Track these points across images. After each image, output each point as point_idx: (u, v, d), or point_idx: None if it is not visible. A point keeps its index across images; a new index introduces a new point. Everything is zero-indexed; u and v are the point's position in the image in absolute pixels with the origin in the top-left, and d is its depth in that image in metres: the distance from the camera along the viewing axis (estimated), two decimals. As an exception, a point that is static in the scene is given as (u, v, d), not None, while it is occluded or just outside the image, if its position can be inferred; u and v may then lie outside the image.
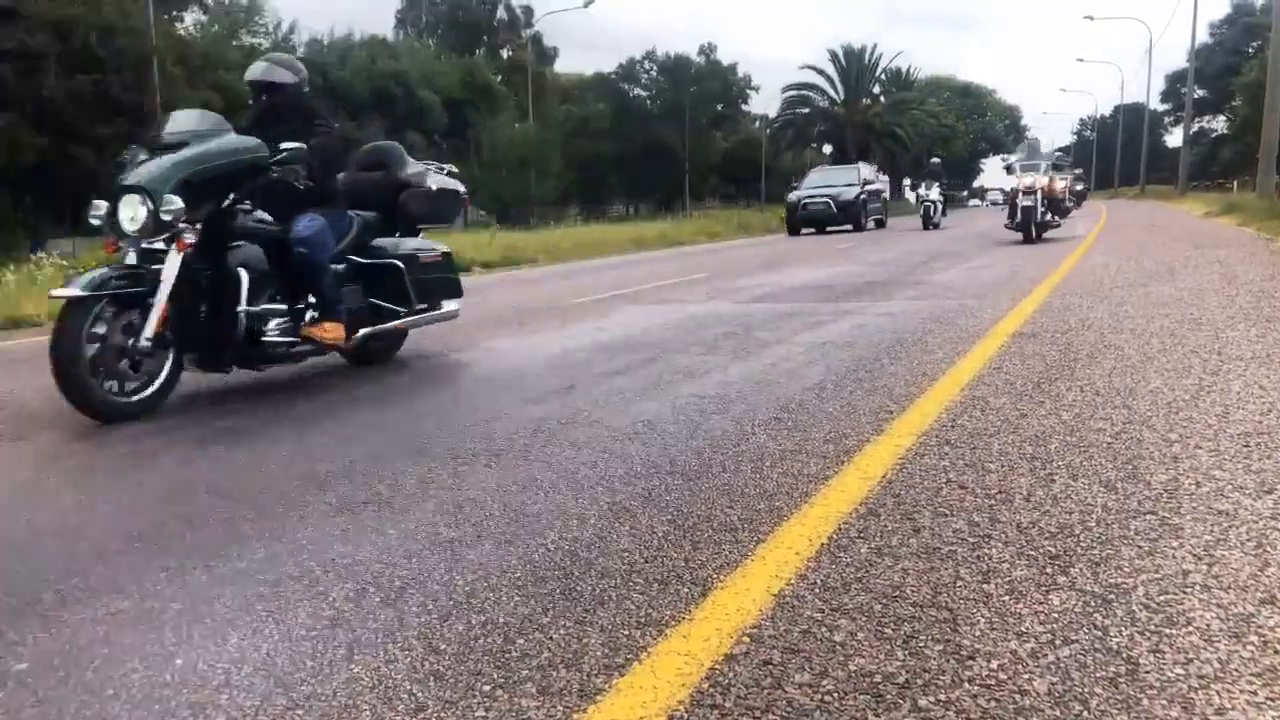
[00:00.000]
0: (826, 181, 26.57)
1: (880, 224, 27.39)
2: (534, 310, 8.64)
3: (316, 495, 3.07)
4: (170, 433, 4.11)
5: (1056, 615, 1.98)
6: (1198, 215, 23.42)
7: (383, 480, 3.21)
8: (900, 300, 7.96)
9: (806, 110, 61.93)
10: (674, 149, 56.17)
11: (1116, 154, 67.16)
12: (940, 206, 24.54)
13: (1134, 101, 71.00)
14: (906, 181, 63.03)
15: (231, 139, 4.77)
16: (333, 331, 5.05)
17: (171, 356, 4.55)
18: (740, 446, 3.43)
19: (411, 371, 5.50)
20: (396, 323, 5.62)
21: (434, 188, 6.04)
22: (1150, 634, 1.89)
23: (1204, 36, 60.96)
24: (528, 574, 2.34)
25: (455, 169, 6.46)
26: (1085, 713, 1.62)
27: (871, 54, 60.68)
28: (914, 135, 58.11)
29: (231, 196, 4.69)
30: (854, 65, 60.03)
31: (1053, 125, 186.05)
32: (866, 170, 28.21)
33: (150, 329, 4.34)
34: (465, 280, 6.68)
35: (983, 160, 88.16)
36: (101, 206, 4.50)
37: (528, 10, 55.13)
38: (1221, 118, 63.57)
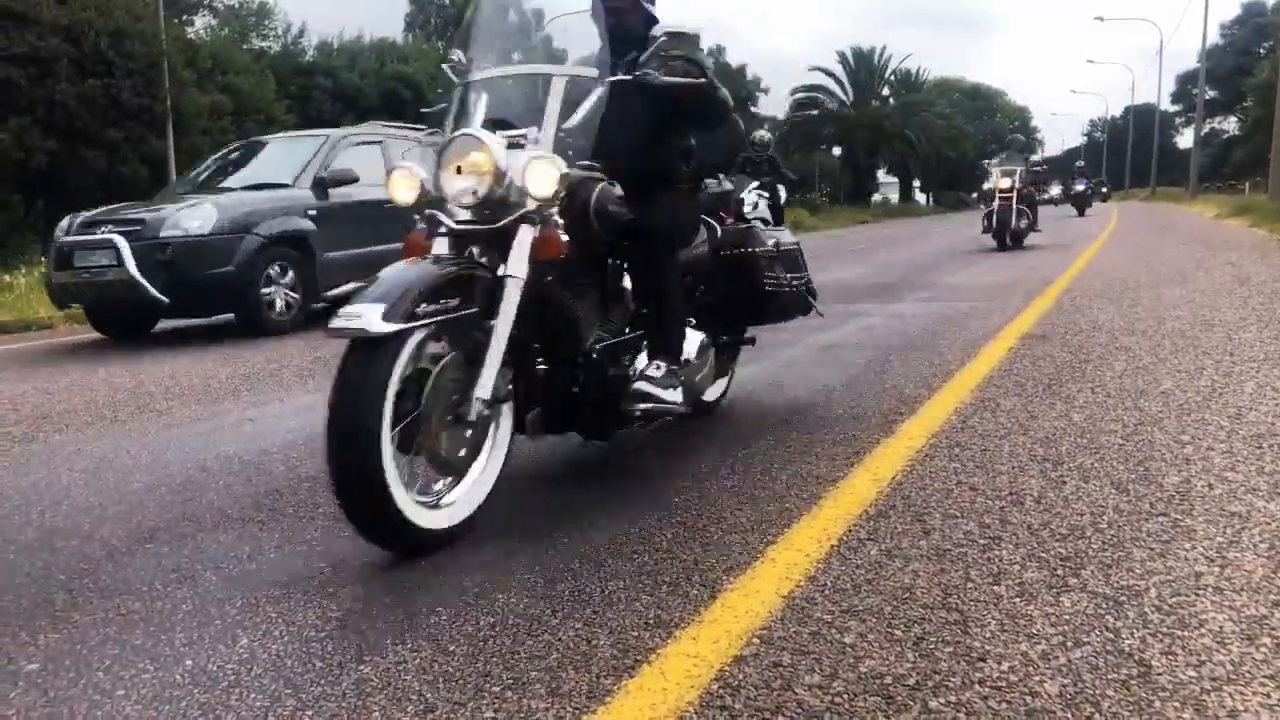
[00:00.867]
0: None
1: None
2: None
3: (326, 496, 3.07)
4: (185, 425, 4.12)
5: (1068, 617, 1.98)
6: (1209, 217, 23.32)
7: (392, 482, 3.20)
8: (910, 302, 7.95)
9: (816, 112, 61.84)
10: (682, 151, 55.98)
11: (1127, 155, 66.95)
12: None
13: (1144, 103, 70.78)
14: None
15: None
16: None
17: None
18: (750, 448, 3.43)
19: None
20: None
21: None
22: (1163, 636, 1.88)
23: (1215, 37, 60.76)
24: (537, 575, 2.34)
25: None
26: (1097, 715, 1.61)
27: (881, 56, 60.60)
28: (924, 137, 57.96)
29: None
30: (863, 67, 59.94)
31: (1063, 126, 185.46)
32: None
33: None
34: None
35: (989, 162, 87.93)
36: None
37: (538, 14, 55.18)
38: (1233, 119, 63.32)
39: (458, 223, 2.66)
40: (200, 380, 5.58)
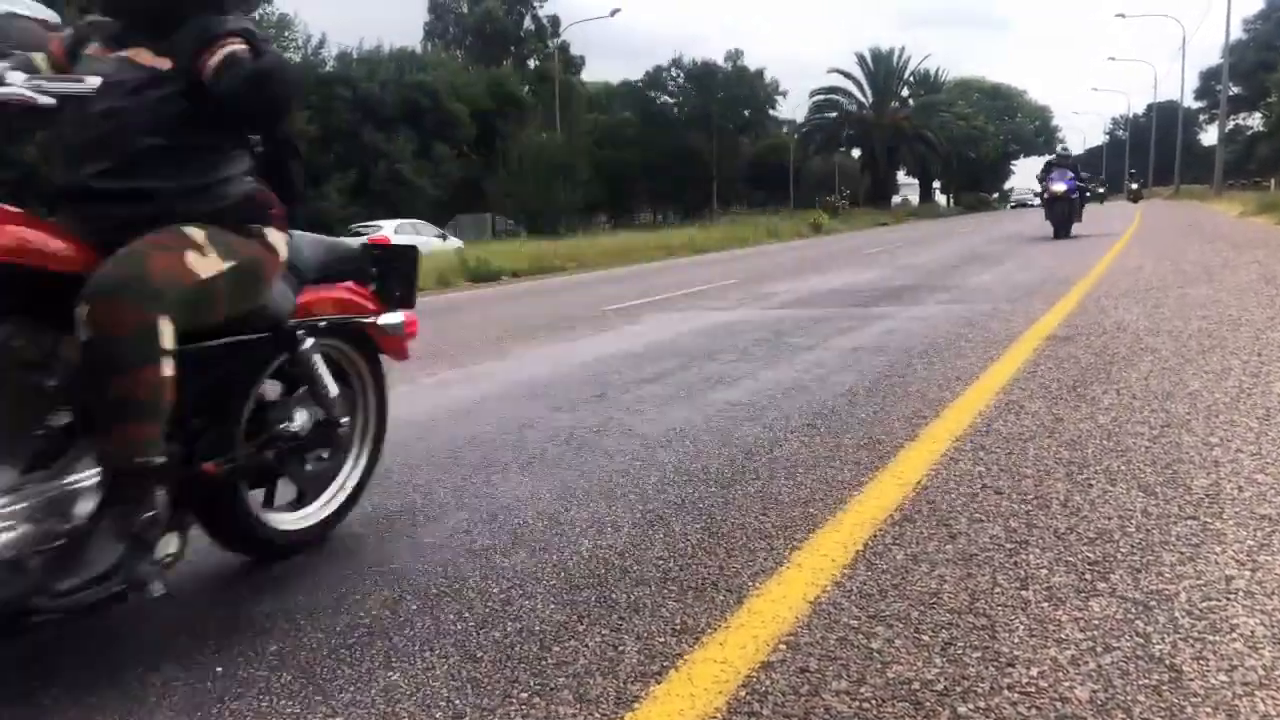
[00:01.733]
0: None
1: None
2: (563, 318, 8.67)
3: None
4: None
5: (1097, 622, 1.96)
6: (1234, 215, 23.09)
7: (416, 489, 3.23)
8: (932, 305, 7.92)
9: (835, 114, 61.73)
10: (701, 156, 56.14)
11: (1150, 153, 66.40)
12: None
13: (1167, 99, 70.25)
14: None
15: None
16: None
17: None
18: (773, 453, 3.43)
19: (440, 380, 5.53)
20: None
21: None
22: (1193, 641, 1.86)
23: (1238, 32, 60.16)
24: (563, 581, 2.35)
25: None
26: (1128, 720, 1.60)
27: (899, 57, 60.49)
28: (943, 138, 57.76)
29: None
30: (882, 68, 59.84)
31: (1084, 125, 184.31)
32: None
33: None
34: (496, 289, 6.71)
35: (1013, 162, 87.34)
36: None
37: (554, 20, 55.38)
38: (1257, 115, 62.62)
39: None
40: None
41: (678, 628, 2.05)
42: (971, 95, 72.03)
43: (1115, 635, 1.90)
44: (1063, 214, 17.02)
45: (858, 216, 40.58)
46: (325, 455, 2.66)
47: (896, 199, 63.85)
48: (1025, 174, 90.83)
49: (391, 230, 25.08)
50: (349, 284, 2.74)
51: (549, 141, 40.52)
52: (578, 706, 1.75)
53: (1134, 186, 44.18)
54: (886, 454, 3.31)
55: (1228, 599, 2.04)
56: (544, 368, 5.76)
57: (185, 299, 2.01)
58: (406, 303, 2.93)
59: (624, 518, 2.80)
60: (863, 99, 60.44)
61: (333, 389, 2.59)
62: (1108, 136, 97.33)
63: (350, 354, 2.81)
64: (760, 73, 60.39)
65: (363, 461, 2.87)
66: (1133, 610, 2.01)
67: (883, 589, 2.19)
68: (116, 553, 1.96)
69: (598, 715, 1.72)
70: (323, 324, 2.59)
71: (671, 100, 60.54)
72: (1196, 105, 73.24)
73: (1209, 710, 1.62)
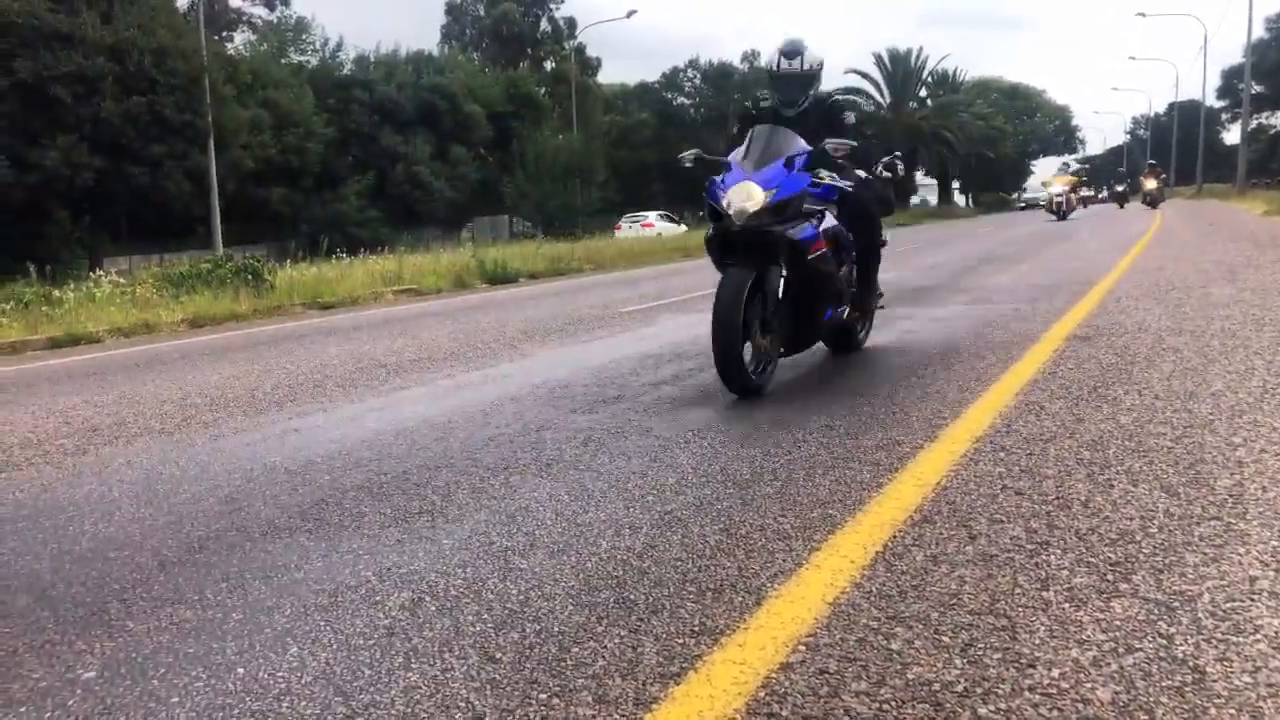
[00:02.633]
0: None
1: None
2: (581, 320, 8.68)
3: (371, 505, 3.11)
4: (231, 435, 4.18)
5: (1119, 623, 1.95)
6: (1258, 214, 22.88)
7: (436, 490, 3.24)
8: (952, 305, 7.88)
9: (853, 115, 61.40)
10: (719, 156, 55.92)
11: (1172, 153, 65.86)
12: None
13: (1189, 99, 69.65)
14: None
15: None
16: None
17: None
18: (792, 454, 3.42)
19: (458, 382, 5.55)
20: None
21: None
22: (1217, 642, 1.85)
23: (1260, 31, 59.52)
24: (581, 583, 2.35)
25: None
26: (1151, 723, 1.59)
27: (917, 57, 60.14)
28: (962, 138, 57.44)
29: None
30: (900, 68, 59.53)
31: (1105, 124, 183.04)
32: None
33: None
34: (511, 291, 6.72)
35: (1033, 162, 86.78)
36: None
37: (570, 22, 55.46)
38: (1280, 114, 62.00)
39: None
40: (245, 392, 5.66)
41: (696, 629, 2.05)
42: (990, 95, 71.57)
43: (1137, 636, 1.89)
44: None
45: (875, 217, 40.42)
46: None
47: (915, 199, 63.49)
48: (1044, 174, 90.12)
49: (655, 218, 37.76)
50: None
51: (566, 143, 40.54)
52: (597, 708, 1.75)
53: (1150, 185, 35.41)
54: (906, 455, 3.30)
55: (1251, 600, 2.02)
56: (562, 369, 5.77)
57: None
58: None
59: (642, 519, 2.80)
60: (880, 99, 60.17)
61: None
62: (1129, 136, 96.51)
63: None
64: (776, 73, 60.07)
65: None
66: (1155, 611, 1.99)
67: (902, 590, 2.18)
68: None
69: (617, 716, 1.72)
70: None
71: (688, 101, 60.49)
72: (1219, 104, 72.56)
73: (1232, 712, 1.61)
